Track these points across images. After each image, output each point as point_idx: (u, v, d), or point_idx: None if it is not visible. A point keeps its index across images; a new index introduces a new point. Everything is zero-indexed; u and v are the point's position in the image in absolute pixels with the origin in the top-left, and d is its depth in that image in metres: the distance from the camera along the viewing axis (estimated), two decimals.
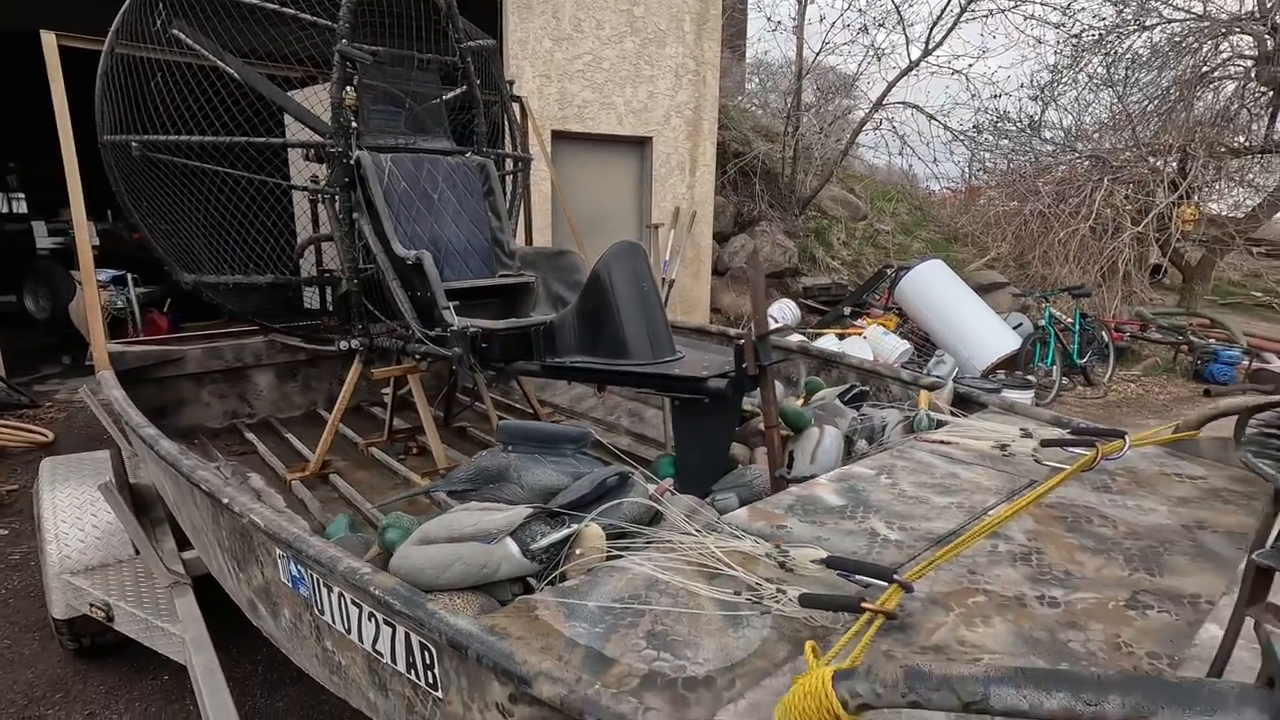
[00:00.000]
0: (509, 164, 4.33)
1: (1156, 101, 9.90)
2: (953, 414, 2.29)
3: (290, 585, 1.41)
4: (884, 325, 7.65)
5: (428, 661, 1.11)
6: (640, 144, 7.38)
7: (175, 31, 3.11)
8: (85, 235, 3.15)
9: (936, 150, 10.88)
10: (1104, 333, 7.78)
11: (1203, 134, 9.28)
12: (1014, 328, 7.32)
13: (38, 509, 2.63)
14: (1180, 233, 9.30)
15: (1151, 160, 9.60)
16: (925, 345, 7.49)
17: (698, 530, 1.29)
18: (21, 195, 9.26)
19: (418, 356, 2.86)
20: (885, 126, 9.47)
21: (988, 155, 10.21)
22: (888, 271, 8.45)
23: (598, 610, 1.10)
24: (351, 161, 2.96)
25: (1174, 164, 9.55)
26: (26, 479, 4.30)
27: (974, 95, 10.45)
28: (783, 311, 7.65)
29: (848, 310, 8.03)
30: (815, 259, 8.95)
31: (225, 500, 1.52)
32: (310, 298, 3.90)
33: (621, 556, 1.28)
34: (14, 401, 5.33)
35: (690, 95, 7.39)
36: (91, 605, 2.33)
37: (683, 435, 1.98)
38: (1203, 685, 0.55)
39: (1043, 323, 7.05)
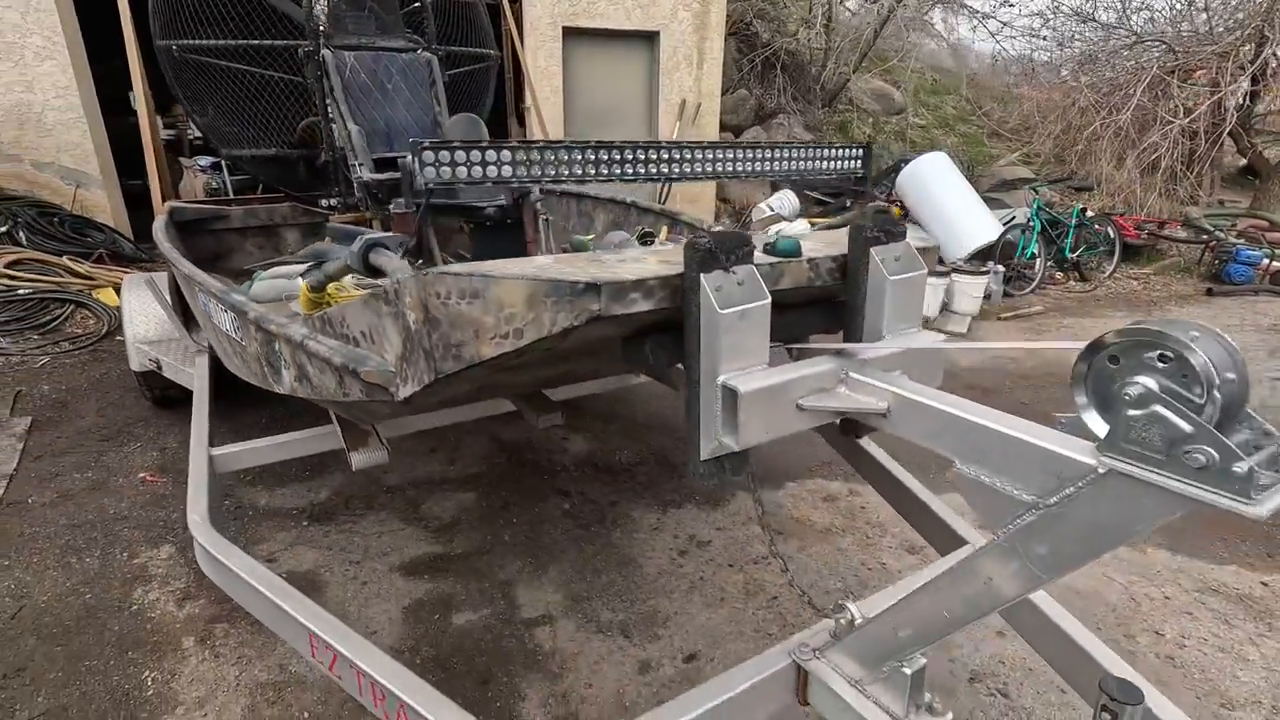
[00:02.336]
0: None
1: None
2: None
3: (206, 311, 2.49)
4: None
5: (243, 324, 2.14)
6: (648, 38, 7.84)
7: None
8: (147, 122, 4.33)
9: (966, 36, 10.38)
10: (1109, 228, 7.71)
11: None
12: (1005, 222, 7.43)
13: (122, 304, 3.95)
14: (1243, 125, 8.69)
15: (1227, 39, 8.82)
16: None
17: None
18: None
19: (365, 206, 3.87)
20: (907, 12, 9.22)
21: (1014, 40, 9.69)
22: (902, 165, 8.58)
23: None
24: (320, 59, 3.89)
25: (1249, 48, 8.77)
26: None
27: None
28: (781, 201, 8.09)
29: (849, 202, 8.34)
30: None
31: (184, 269, 2.61)
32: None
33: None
34: (138, 257, 6.93)
35: None
36: (150, 360, 3.61)
37: (475, 247, 2.89)
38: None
39: (1028, 214, 7.15)
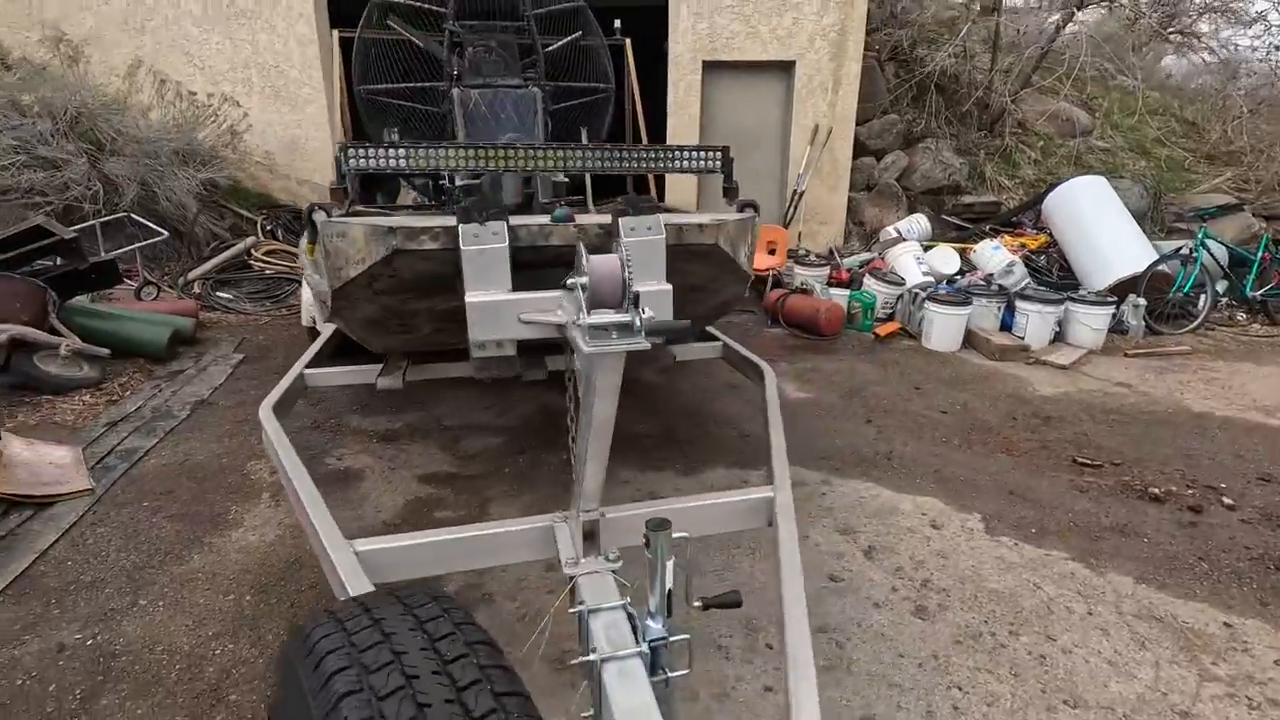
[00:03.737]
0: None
1: None
2: None
3: (306, 266, 3.54)
4: (1026, 243, 7.53)
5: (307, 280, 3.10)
6: (785, 67, 8.23)
7: (389, 22, 5.46)
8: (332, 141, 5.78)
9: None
10: None
11: None
12: (1175, 251, 6.59)
13: (304, 279, 5.35)
14: None
15: None
16: (1065, 265, 7.22)
17: None
18: None
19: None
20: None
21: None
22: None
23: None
24: (451, 96, 4.99)
25: None
26: None
27: None
28: (910, 226, 7.97)
29: (988, 227, 7.93)
30: (984, 177, 8.75)
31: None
32: None
33: None
34: None
35: (836, 18, 7.94)
36: (310, 318, 4.90)
37: None
38: None
39: (1192, 245, 6.32)
